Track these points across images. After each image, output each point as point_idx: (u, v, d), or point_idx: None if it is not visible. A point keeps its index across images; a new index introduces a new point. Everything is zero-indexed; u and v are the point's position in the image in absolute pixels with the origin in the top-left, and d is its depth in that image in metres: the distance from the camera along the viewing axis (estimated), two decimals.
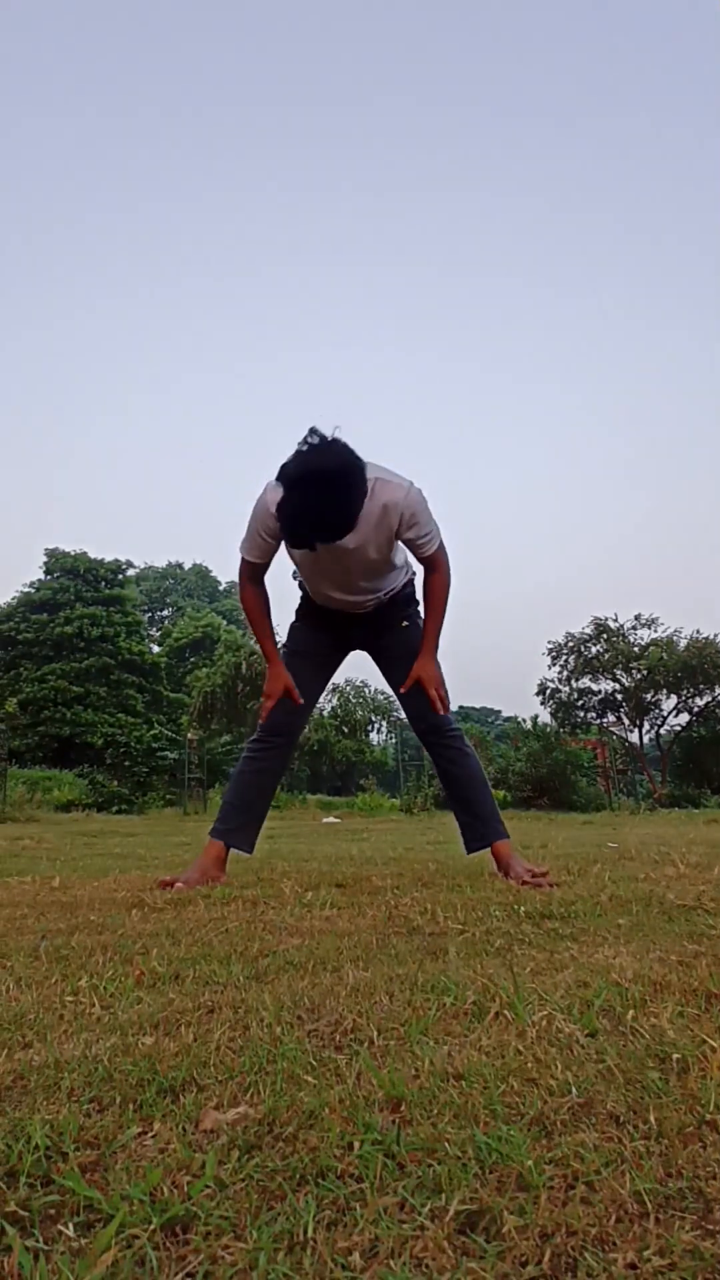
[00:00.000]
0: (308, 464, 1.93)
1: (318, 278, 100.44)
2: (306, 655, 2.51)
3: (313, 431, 1.97)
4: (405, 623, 2.48)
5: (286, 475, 1.95)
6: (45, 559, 32.83)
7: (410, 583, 2.52)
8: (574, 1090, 0.78)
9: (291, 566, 2.44)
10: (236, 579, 2.42)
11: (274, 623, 2.47)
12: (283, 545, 2.26)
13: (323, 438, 1.97)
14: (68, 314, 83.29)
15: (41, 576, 32.81)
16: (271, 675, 2.44)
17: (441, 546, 2.34)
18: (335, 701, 24.50)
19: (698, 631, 21.66)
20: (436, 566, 2.37)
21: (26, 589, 32.51)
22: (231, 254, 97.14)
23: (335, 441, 1.97)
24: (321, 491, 1.93)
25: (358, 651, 2.61)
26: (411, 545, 2.30)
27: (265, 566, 2.35)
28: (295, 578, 2.51)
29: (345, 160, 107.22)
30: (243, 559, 2.32)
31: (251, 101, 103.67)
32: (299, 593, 2.56)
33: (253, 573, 2.36)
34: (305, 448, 1.96)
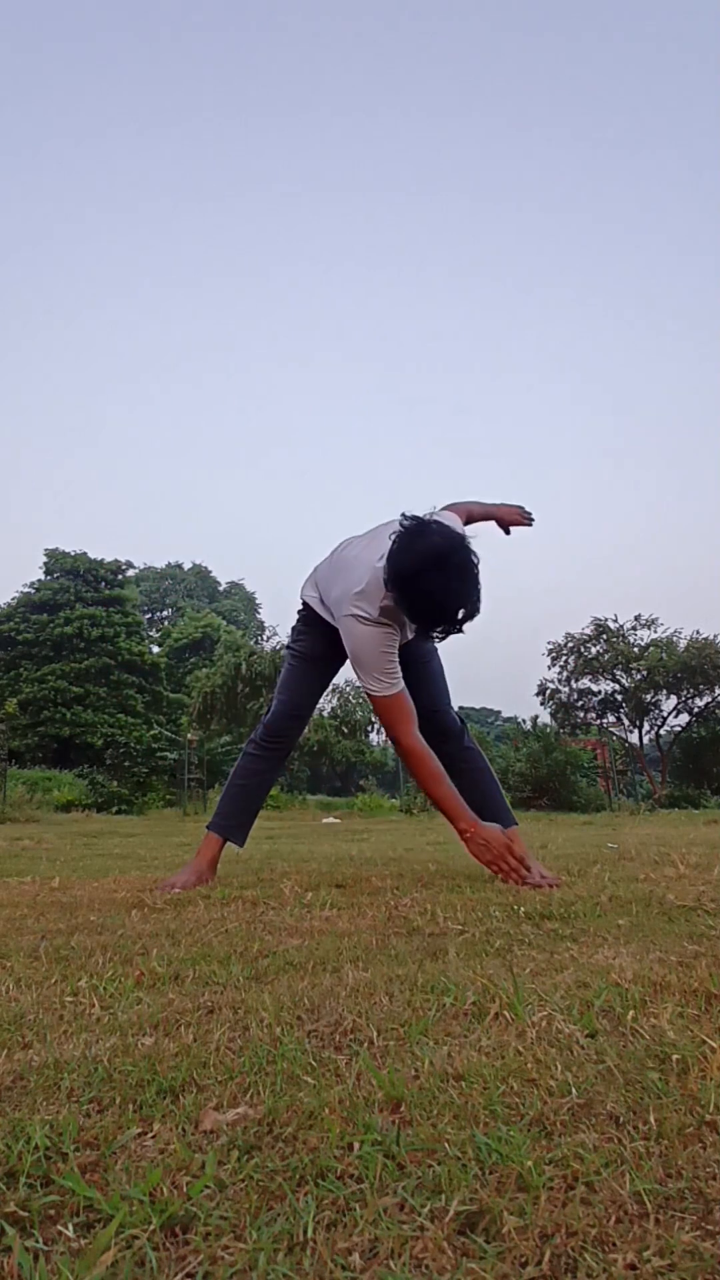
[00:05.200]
0: (435, 548, 1.87)
1: (318, 279, 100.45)
2: (312, 658, 2.50)
3: (407, 517, 1.96)
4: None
5: (414, 568, 1.85)
6: (45, 559, 32.85)
7: None
8: (574, 1091, 0.78)
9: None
10: (389, 727, 2.15)
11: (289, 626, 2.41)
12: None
13: (420, 520, 1.96)
14: (69, 315, 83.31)
15: (41, 577, 32.84)
16: (490, 835, 2.16)
17: (457, 516, 2.36)
18: (335, 702, 24.48)
19: (698, 632, 21.74)
20: (466, 515, 2.43)
21: (26, 589, 32.55)
22: (233, 255, 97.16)
23: (434, 520, 1.97)
24: (462, 568, 1.86)
25: None
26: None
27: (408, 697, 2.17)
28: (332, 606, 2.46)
29: (344, 163, 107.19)
30: (388, 698, 2.11)
31: (252, 102, 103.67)
32: (300, 599, 2.55)
33: (405, 709, 2.13)
34: (412, 536, 1.90)
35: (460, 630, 1.97)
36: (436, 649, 2.50)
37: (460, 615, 1.93)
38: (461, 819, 2.18)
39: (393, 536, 1.97)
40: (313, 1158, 0.66)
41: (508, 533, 2.62)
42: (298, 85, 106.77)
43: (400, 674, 2.17)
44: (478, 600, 1.93)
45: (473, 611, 1.94)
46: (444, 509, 2.38)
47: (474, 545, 1.95)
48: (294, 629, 2.55)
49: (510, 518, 2.60)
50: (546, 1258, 0.54)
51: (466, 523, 2.41)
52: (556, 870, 2.57)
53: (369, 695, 2.18)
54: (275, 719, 2.49)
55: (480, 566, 1.93)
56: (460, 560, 1.88)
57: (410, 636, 2.28)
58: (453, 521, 2.24)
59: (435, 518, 2.18)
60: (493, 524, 2.61)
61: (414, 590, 1.89)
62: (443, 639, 2.06)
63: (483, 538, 2.42)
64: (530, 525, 2.63)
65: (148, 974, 1.27)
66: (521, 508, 2.64)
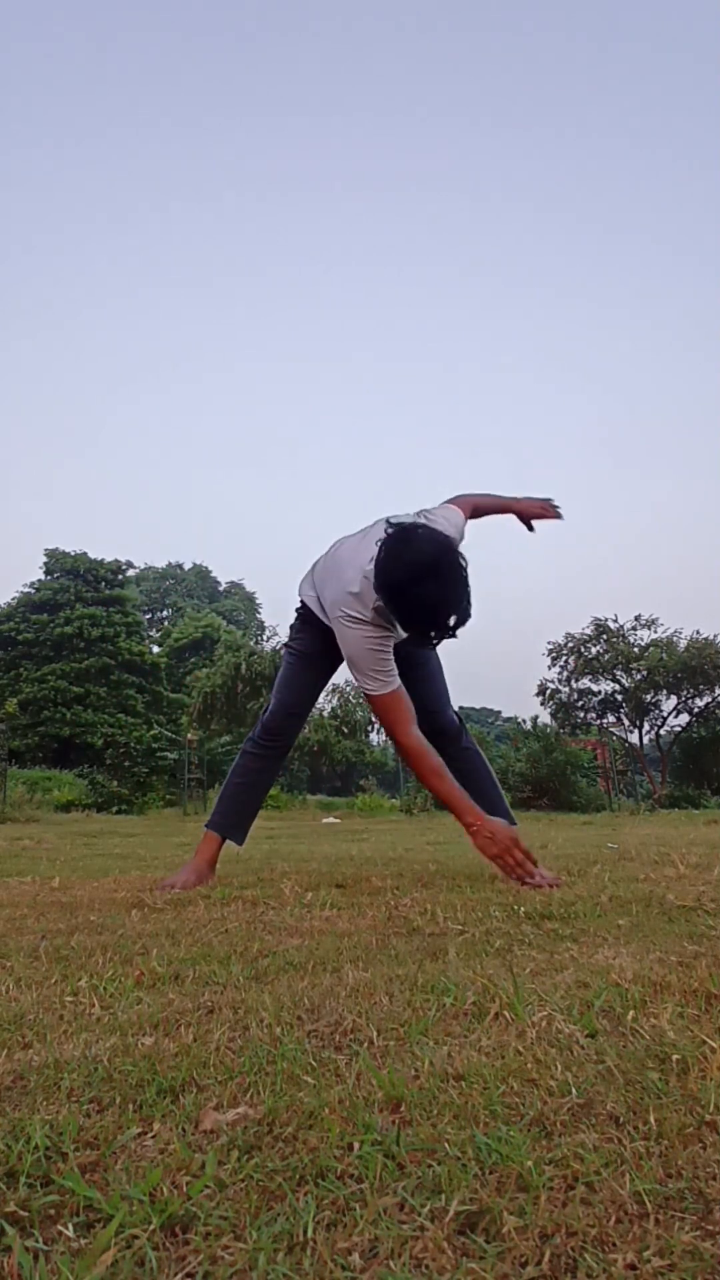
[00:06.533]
0: (427, 556, 1.85)
1: (317, 278, 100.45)
2: (310, 656, 2.50)
3: (391, 523, 1.94)
4: None
5: (407, 577, 1.84)
6: (45, 559, 32.87)
7: None
8: (574, 1091, 0.78)
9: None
10: (388, 726, 2.15)
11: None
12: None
13: (404, 527, 1.93)
14: (69, 314, 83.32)
15: (41, 577, 32.86)
16: (497, 829, 2.13)
17: (460, 509, 2.30)
18: (335, 702, 24.47)
19: (698, 632, 21.70)
20: (471, 508, 2.34)
21: (27, 589, 32.57)
22: (233, 254, 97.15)
23: (420, 526, 1.94)
24: (454, 575, 1.85)
25: None
26: None
27: (404, 693, 2.14)
28: (300, 594, 2.48)
29: (343, 162, 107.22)
30: (384, 696, 2.11)
31: (250, 102, 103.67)
32: (298, 597, 2.55)
33: (399, 707, 2.13)
34: (401, 543, 1.89)
35: (453, 635, 1.96)
36: (435, 649, 2.50)
37: (452, 622, 1.92)
38: (468, 813, 2.16)
39: (379, 544, 1.96)
40: (313, 1158, 0.66)
41: (531, 529, 2.51)
42: (297, 85, 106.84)
43: (395, 672, 2.17)
44: (468, 605, 1.92)
45: (464, 617, 1.93)
46: (448, 501, 2.32)
47: (461, 548, 1.94)
48: (292, 627, 2.55)
49: (533, 511, 2.49)
50: (546, 1258, 0.54)
51: (473, 515, 2.35)
52: (556, 870, 2.57)
53: (366, 695, 2.18)
54: (272, 718, 2.49)
55: (469, 569, 1.91)
56: (449, 567, 1.86)
57: (404, 636, 2.28)
58: (450, 517, 2.21)
59: (428, 516, 2.15)
60: (512, 518, 2.50)
61: (404, 600, 1.88)
62: (436, 644, 2.03)
63: (482, 538, 2.40)
64: (559, 519, 2.52)
65: (148, 974, 1.27)
66: (549, 501, 2.52)
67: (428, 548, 1.88)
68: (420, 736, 2.20)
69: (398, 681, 2.17)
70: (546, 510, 2.50)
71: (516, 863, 2.14)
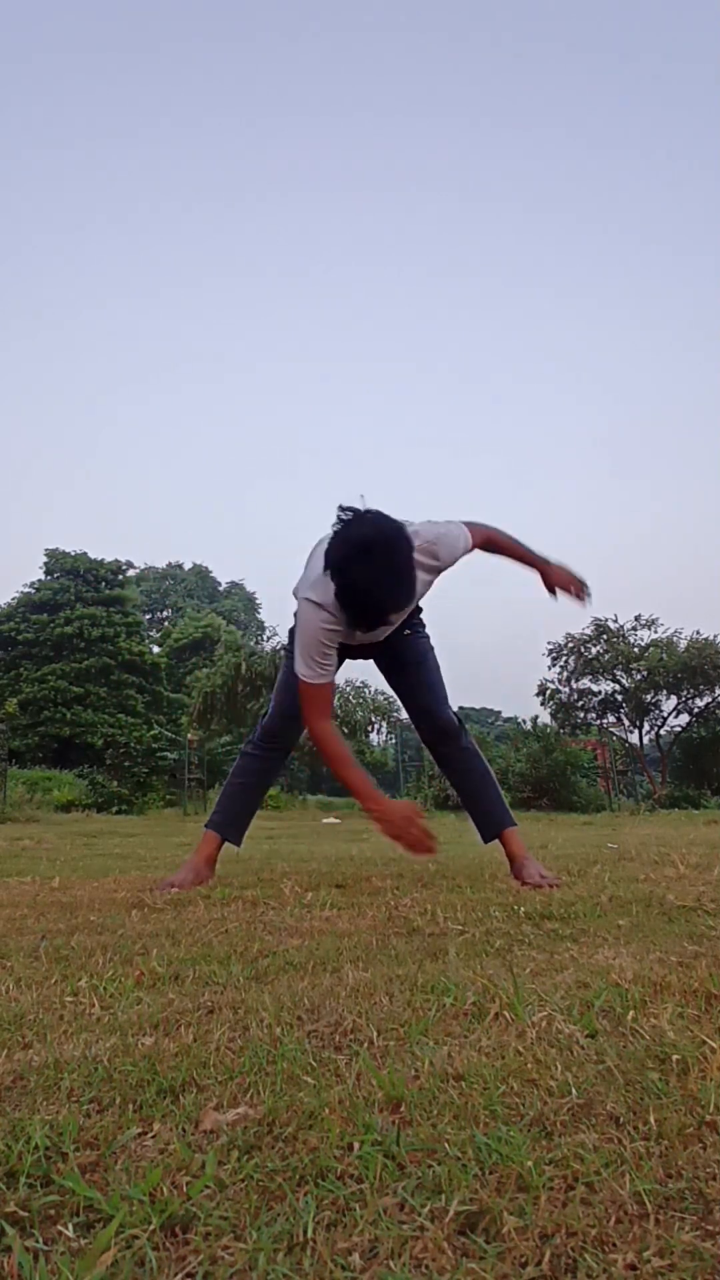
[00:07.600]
0: (363, 538, 1.86)
1: (317, 278, 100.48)
2: None
3: (344, 509, 1.93)
4: (408, 631, 2.46)
5: (342, 556, 1.86)
6: (45, 559, 32.85)
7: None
8: (574, 1091, 0.78)
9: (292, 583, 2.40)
10: (305, 710, 2.18)
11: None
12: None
13: (356, 510, 1.92)
14: (69, 315, 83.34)
15: (41, 577, 32.84)
16: (390, 807, 2.10)
17: (469, 532, 2.23)
18: (335, 702, 24.50)
19: (698, 632, 21.68)
20: (484, 539, 2.29)
21: (27, 589, 32.55)
22: (232, 255, 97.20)
23: (371, 511, 1.93)
24: (388, 560, 1.85)
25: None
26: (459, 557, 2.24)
27: (334, 689, 2.19)
28: (295, 595, 2.48)
29: (342, 162, 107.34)
30: (314, 686, 2.14)
31: (250, 102, 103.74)
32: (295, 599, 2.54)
33: (323, 699, 2.16)
34: (347, 525, 1.90)
35: (388, 622, 1.97)
36: (432, 648, 2.49)
37: (384, 606, 1.93)
38: (369, 798, 2.14)
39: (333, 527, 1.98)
40: (313, 1158, 0.66)
41: (553, 593, 2.45)
42: (297, 86, 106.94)
43: (332, 668, 2.18)
44: (400, 592, 1.93)
45: (393, 603, 1.94)
46: (466, 522, 2.28)
47: (408, 534, 1.93)
48: (290, 630, 2.55)
49: (559, 580, 2.43)
50: (546, 1258, 0.54)
51: (486, 547, 2.31)
52: (556, 870, 2.57)
53: (299, 680, 2.17)
54: (271, 720, 2.49)
55: (409, 558, 1.91)
56: (383, 551, 1.87)
57: (359, 639, 2.27)
58: (446, 530, 2.20)
59: (412, 525, 2.13)
60: (534, 575, 2.44)
61: (340, 579, 1.90)
62: (369, 629, 2.01)
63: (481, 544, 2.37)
64: (582, 604, 2.45)
65: (148, 974, 1.27)
66: (579, 580, 2.43)
67: (367, 531, 1.88)
68: (331, 727, 2.20)
69: (331, 676, 2.19)
70: (575, 588, 2.43)
71: (415, 839, 2.08)
